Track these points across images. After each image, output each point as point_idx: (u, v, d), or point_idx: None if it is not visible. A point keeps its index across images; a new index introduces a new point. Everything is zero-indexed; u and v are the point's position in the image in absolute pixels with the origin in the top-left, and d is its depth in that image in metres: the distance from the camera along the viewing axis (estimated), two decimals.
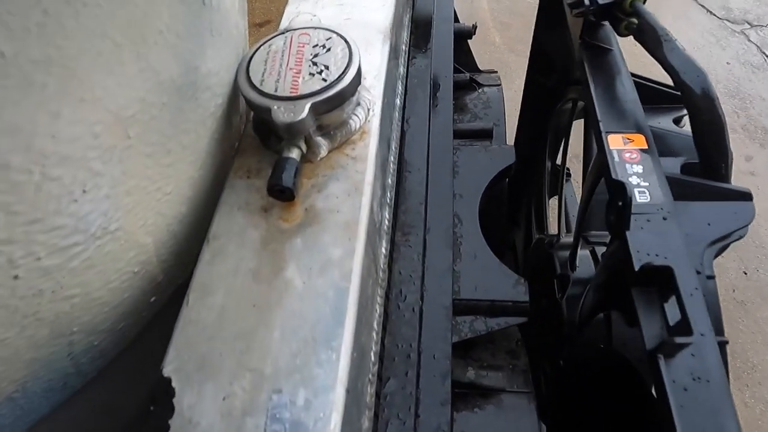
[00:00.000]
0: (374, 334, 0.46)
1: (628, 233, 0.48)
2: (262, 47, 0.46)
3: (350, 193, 0.43)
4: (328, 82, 0.42)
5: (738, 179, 1.85)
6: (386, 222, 0.53)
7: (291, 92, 0.42)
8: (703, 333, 0.42)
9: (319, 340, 0.35)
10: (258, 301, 0.37)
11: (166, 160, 0.35)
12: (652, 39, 0.59)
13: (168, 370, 0.35)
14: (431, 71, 0.79)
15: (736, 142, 2.41)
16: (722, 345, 0.47)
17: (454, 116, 0.92)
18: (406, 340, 0.50)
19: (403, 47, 0.68)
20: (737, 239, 0.52)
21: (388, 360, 0.49)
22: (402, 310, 0.52)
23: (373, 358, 0.45)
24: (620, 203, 0.48)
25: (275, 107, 0.41)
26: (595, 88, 0.62)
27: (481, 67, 1.23)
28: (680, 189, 0.53)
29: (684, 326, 0.42)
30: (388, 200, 0.55)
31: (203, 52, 0.39)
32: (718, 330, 0.49)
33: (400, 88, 0.65)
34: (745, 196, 0.54)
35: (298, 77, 0.43)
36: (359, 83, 0.45)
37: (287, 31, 0.47)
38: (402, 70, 0.67)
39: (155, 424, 0.33)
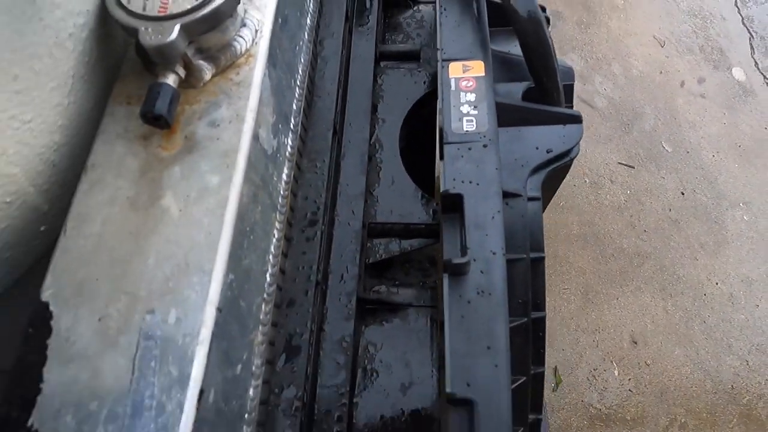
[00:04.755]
0: (270, 257, 0.48)
1: (442, 163, 0.50)
2: None
3: (232, 120, 0.42)
4: (200, 0, 0.40)
5: (688, 102, 1.88)
6: (288, 148, 0.53)
7: (159, 12, 0.40)
8: (495, 251, 0.46)
9: (191, 265, 0.37)
10: (134, 229, 0.38)
11: (14, 86, 0.34)
12: None
13: (46, 295, 0.36)
14: None
15: (690, 63, 2.42)
16: (538, 260, 0.52)
17: (385, 36, 0.89)
18: (308, 263, 0.52)
19: None
20: (568, 160, 0.55)
21: (289, 281, 0.51)
22: (305, 234, 0.54)
23: (269, 279, 0.47)
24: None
25: (143, 28, 0.39)
26: (443, 12, 0.61)
27: None
28: (514, 115, 0.55)
29: (464, 248, 0.46)
30: (291, 126, 0.54)
31: None
32: (536, 247, 0.53)
33: (310, 5, 0.62)
34: (575, 119, 0.56)
35: None
36: (238, 2, 0.43)
37: None
38: None
39: (34, 344, 0.35)
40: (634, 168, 2.05)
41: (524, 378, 0.53)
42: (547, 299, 1.77)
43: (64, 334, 0.35)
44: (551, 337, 1.69)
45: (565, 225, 1.89)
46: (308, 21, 0.61)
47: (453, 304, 0.45)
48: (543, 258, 0.56)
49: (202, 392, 0.33)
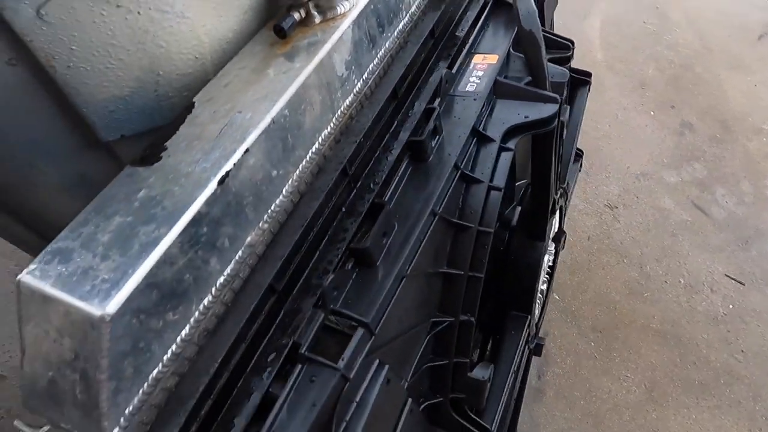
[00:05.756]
0: (319, 138, 0.73)
1: (438, 99, 0.70)
2: None
3: (320, 43, 0.71)
4: None
5: None
6: (356, 86, 0.80)
7: None
8: (450, 154, 0.64)
9: (268, 97, 0.64)
10: (248, 80, 0.68)
11: None
12: None
13: (194, 99, 0.67)
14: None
15: None
16: (495, 189, 0.67)
17: None
18: (344, 155, 0.76)
19: None
20: (541, 129, 0.71)
21: (327, 162, 0.76)
22: (349, 140, 0.79)
23: (313, 150, 0.73)
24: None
25: None
26: (487, 27, 0.84)
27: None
28: (510, 91, 0.74)
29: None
30: (364, 76, 0.82)
31: None
32: (497, 182, 0.69)
33: (405, 17, 0.92)
34: (553, 100, 0.72)
35: None
36: None
37: None
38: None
39: (180, 118, 0.65)
40: (744, 285, 1.90)
41: (461, 273, 0.68)
42: (603, 379, 1.69)
43: (195, 114, 0.64)
44: (598, 417, 1.59)
45: (645, 316, 1.81)
46: (399, 24, 0.90)
47: (411, 169, 0.65)
48: (500, 189, 0.72)
49: (247, 151, 0.59)
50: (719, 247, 2.01)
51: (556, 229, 1.21)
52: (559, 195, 1.05)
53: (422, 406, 0.72)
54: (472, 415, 0.76)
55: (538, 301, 1.20)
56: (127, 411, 0.50)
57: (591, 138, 2.30)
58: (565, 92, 0.91)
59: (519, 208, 1.00)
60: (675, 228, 2.05)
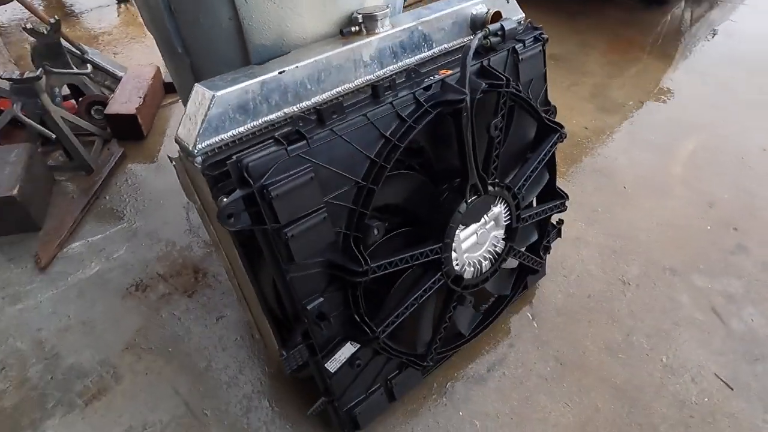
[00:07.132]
0: (341, 86, 1.41)
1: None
2: None
3: (358, 41, 1.41)
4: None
5: None
6: (375, 71, 1.47)
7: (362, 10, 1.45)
8: (394, 102, 1.23)
9: (319, 53, 1.35)
10: (317, 48, 1.41)
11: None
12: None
13: (291, 51, 1.42)
14: None
15: None
16: (411, 126, 1.24)
17: None
18: (352, 102, 1.42)
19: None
20: (452, 106, 1.26)
21: (344, 100, 1.43)
22: (360, 95, 1.45)
23: (349, 85, 1.41)
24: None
25: (354, 13, 1.45)
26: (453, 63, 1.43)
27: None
28: (447, 87, 1.30)
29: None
30: (383, 70, 1.49)
31: None
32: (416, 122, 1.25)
33: (429, 52, 1.58)
34: (463, 93, 1.26)
35: None
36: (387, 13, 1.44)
37: None
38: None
39: (279, 56, 1.40)
40: (732, 390, 1.92)
41: (378, 161, 1.26)
42: (544, 397, 1.96)
43: (288, 54, 1.39)
44: (523, 420, 1.79)
45: (610, 371, 1.96)
46: (420, 54, 1.57)
47: (368, 101, 1.28)
48: (416, 127, 1.29)
49: (297, 66, 1.30)
50: (721, 351, 2.06)
51: (504, 219, 1.63)
52: (493, 181, 1.52)
53: (335, 230, 1.28)
54: (362, 250, 1.28)
55: (473, 264, 1.62)
56: (207, 142, 1.21)
57: (632, 228, 2.54)
58: (502, 110, 1.44)
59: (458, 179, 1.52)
60: (681, 320, 2.16)
